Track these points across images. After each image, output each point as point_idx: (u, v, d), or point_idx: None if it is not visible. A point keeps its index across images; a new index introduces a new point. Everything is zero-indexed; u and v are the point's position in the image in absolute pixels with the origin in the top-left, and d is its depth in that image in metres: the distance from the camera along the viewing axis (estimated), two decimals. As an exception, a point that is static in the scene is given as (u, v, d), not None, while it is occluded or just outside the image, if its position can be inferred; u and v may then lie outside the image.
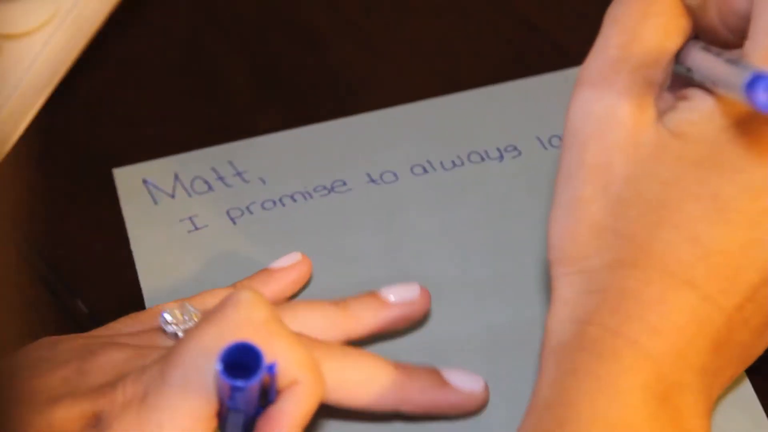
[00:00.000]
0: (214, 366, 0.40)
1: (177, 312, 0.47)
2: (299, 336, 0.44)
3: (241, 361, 0.40)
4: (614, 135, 0.43)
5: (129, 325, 0.49)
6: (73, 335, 0.48)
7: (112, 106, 0.62)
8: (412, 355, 0.51)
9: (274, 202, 0.57)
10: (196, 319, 0.47)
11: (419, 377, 0.47)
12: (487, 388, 0.49)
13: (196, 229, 0.57)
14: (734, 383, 0.48)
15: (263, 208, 0.57)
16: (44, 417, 0.43)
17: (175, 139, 0.60)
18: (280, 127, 0.60)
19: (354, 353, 0.47)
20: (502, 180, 0.57)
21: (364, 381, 0.46)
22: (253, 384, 0.40)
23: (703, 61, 0.43)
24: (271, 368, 0.41)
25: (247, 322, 0.42)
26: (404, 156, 0.58)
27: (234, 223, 0.57)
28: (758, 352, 0.45)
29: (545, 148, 0.58)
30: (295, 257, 0.53)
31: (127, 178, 0.58)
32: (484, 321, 0.53)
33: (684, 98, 0.43)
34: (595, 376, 0.41)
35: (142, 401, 0.42)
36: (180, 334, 0.47)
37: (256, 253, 0.56)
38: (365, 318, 0.49)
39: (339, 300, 0.50)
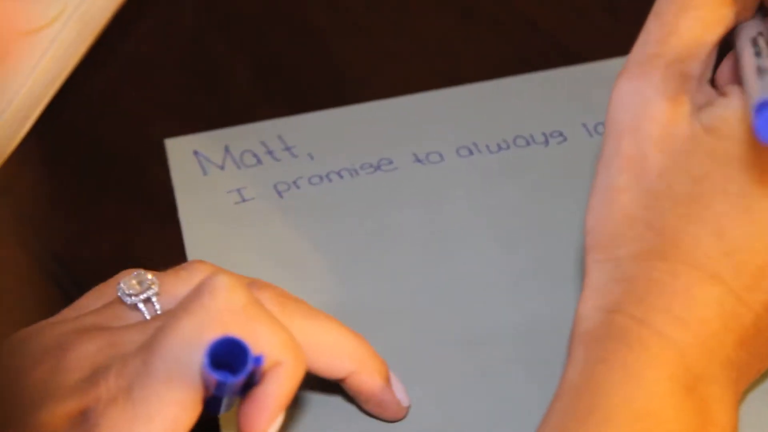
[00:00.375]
0: (200, 359, 0.40)
1: (134, 282, 0.47)
2: (276, 318, 0.44)
3: (228, 352, 0.40)
4: (649, 128, 0.43)
5: (93, 299, 0.49)
6: (39, 326, 0.47)
7: (118, 104, 0.63)
8: (451, 337, 0.52)
9: (321, 178, 0.58)
10: (154, 288, 0.46)
11: (377, 360, 0.48)
12: (407, 409, 0.49)
13: (244, 201, 0.58)
14: (763, 377, 0.48)
15: (310, 183, 0.58)
16: (28, 423, 0.42)
17: (181, 135, 0.61)
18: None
19: (323, 317, 0.47)
20: (547, 165, 0.58)
21: (332, 344, 0.47)
22: (240, 378, 0.40)
23: (742, 55, 0.43)
24: (257, 360, 0.41)
25: (226, 309, 0.42)
26: (451, 137, 0.59)
27: (281, 196, 0.58)
28: None
29: (590, 135, 0.59)
30: None
31: (179, 149, 0.60)
32: (523, 306, 0.53)
33: (723, 95, 0.44)
34: (623, 364, 0.41)
35: (128, 395, 0.41)
36: (140, 305, 0.46)
37: (301, 227, 0.57)
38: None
39: None
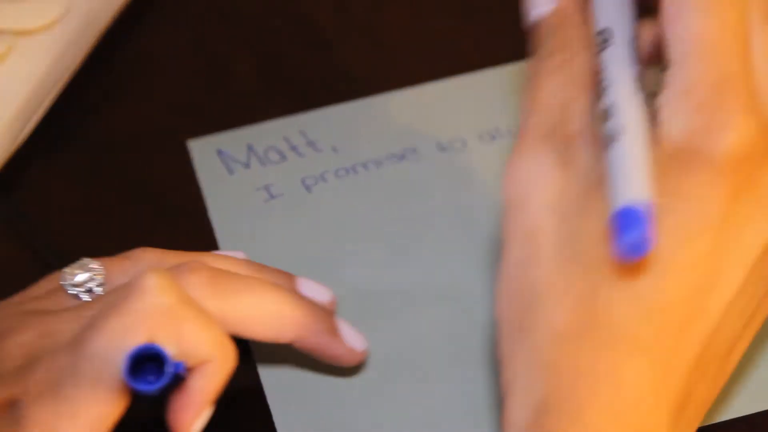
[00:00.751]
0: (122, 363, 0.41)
1: (77, 272, 0.48)
2: (207, 315, 0.44)
3: (150, 357, 0.41)
4: (543, 198, 0.42)
5: (41, 286, 0.50)
6: None
7: (122, 102, 0.63)
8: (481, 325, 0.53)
9: (347, 170, 0.59)
10: (98, 278, 0.48)
11: (319, 320, 0.49)
12: (365, 351, 0.50)
13: (272, 197, 0.58)
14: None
15: (336, 176, 0.59)
16: None
17: (185, 133, 0.61)
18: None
19: (259, 289, 0.48)
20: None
21: (269, 315, 0.48)
22: (160, 386, 0.41)
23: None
24: (178, 366, 0.42)
25: (152, 310, 0.42)
26: (472, 123, 0.60)
27: (309, 191, 0.58)
28: (724, 381, 0.43)
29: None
30: (237, 254, 0.53)
31: (203, 150, 0.60)
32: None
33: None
34: None
35: (55, 391, 0.42)
36: (83, 296, 0.48)
37: (333, 219, 0.57)
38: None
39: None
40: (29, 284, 0.50)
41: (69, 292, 0.48)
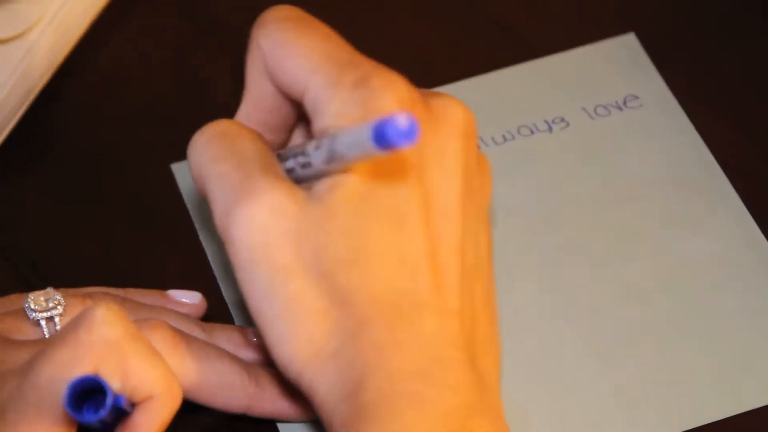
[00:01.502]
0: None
1: (41, 299, 0.49)
2: (155, 351, 0.45)
3: (93, 388, 0.42)
4: (274, 230, 0.42)
5: (2, 304, 0.51)
6: None
7: (97, 112, 0.63)
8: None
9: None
10: (59, 308, 0.49)
11: (269, 386, 0.49)
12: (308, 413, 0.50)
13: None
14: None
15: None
16: None
17: (162, 144, 0.61)
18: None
19: (214, 355, 0.49)
20: (553, 151, 0.59)
21: (219, 385, 0.48)
22: (100, 417, 0.42)
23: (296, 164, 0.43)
24: (118, 399, 0.43)
25: (99, 343, 0.43)
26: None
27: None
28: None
29: (592, 118, 0.60)
30: (196, 297, 0.54)
31: (186, 173, 0.59)
32: (546, 292, 0.55)
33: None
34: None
35: (1, 416, 0.43)
36: (42, 322, 0.49)
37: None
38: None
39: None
40: (2, 293, 0.51)
41: (30, 316, 0.49)
